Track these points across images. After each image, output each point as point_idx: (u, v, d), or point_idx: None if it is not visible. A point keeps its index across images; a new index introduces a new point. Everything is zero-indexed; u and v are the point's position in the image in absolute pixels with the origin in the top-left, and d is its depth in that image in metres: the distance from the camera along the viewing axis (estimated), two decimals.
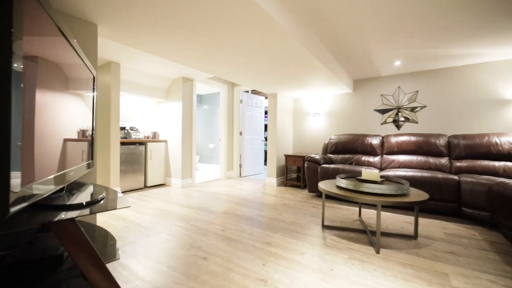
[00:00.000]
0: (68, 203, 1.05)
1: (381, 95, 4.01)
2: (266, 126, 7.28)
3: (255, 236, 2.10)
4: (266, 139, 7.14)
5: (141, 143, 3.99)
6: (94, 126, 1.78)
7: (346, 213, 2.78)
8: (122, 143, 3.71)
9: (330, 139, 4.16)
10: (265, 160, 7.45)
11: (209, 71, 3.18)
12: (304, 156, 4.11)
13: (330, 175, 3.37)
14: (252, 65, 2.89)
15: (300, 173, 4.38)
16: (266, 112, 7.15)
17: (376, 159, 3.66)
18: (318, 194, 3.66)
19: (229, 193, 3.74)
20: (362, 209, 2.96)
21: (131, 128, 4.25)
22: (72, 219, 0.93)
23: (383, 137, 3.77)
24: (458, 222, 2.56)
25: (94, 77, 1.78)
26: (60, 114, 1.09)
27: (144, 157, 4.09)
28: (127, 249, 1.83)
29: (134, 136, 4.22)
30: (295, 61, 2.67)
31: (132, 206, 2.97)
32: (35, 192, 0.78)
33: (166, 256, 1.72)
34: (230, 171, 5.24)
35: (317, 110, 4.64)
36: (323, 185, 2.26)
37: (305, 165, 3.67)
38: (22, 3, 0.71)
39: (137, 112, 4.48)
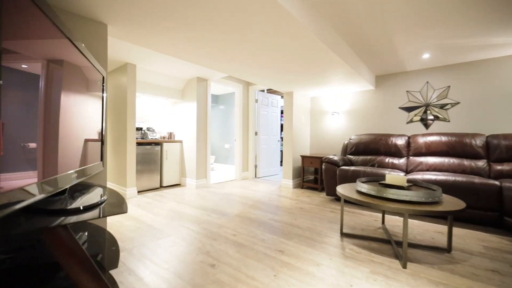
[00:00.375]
0: (65, 207, 1.00)
1: (407, 91, 3.70)
2: (282, 126, 7.09)
3: (267, 242, 1.98)
4: (282, 139, 6.98)
5: (156, 143, 4.03)
6: (104, 127, 1.76)
7: (368, 220, 2.57)
8: (138, 143, 3.76)
9: (350, 139, 3.92)
10: (282, 161, 7.27)
11: (222, 70, 3.11)
12: (321, 157, 3.91)
13: (350, 177, 3.15)
14: (265, 63, 2.77)
15: (317, 175, 4.18)
16: (282, 112, 6.97)
17: (401, 161, 3.37)
18: (337, 197, 3.45)
19: (243, 194, 3.65)
20: (386, 215, 2.72)
21: (148, 129, 4.31)
22: (64, 226, 0.87)
23: (409, 137, 3.47)
24: (500, 234, 2.25)
25: (103, 78, 1.77)
26: (58, 114, 1.04)
27: (160, 157, 4.12)
28: (136, 252, 1.79)
29: (151, 136, 4.27)
30: (312, 56, 2.51)
31: (146, 206, 2.98)
32: (20, 197, 0.73)
33: (174, 261, 1.66)
34: (245, 171, 5.16)
35: (336, 109, 4.41)
36: (342, 190, 2.09)
37: (323, 166, 3.48)
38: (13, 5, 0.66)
39: (154, 112, 4.54)
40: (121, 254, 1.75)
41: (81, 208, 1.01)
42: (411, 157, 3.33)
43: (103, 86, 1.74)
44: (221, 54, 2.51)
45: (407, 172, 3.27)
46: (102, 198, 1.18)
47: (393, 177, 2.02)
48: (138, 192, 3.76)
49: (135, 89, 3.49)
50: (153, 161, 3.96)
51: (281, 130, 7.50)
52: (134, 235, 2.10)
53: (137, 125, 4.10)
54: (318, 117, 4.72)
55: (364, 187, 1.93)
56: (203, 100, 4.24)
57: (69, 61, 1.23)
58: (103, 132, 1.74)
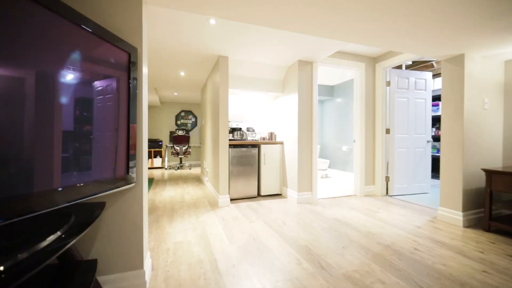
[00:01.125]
0: None
1: None
2: (434, 119, 4.72)
3: None
4: (434, 139, 4.65)
5: (253, 145, 3.50)
6: (130, 126, 1.24)
7: None
8: (233, 146, 3.35)
9: None
10: (434, 172, 4.85)
11: (334, 35, 2.01)
12: None
13: None
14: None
15: None
16: (434, 99, 4.62)
17: None
18: None
19: (364, 226, 2.34)
20: None
21: (248, 129, 3.89)
22: None
23: None
24: None
25: (129, 56, 1.25)
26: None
27: (258, 162, 3.56)
28: None
29: (250, 137, 3.82)
30: None
31: (229, 223, 2.42)
32: None
33: None
34: (370, 185, 3.65)
35: None
36: None
37: None
38: None
39: (253, 110, 4.07)
40: None
41: None
42: None
43: (129, 67, 1.22)
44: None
45: None
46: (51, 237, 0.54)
47: None
48: (232, 200, 3.36)
49: (228, 84, 3.08)
50: (249, 166, 3.45)
51: (433, 125, 5.09)
52: (185, 276, 1.50)
53: (235, 125, 3.76)
54: None
55: None
56: (307, 90, 3.26)
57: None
58: (130, 134, 1.21)
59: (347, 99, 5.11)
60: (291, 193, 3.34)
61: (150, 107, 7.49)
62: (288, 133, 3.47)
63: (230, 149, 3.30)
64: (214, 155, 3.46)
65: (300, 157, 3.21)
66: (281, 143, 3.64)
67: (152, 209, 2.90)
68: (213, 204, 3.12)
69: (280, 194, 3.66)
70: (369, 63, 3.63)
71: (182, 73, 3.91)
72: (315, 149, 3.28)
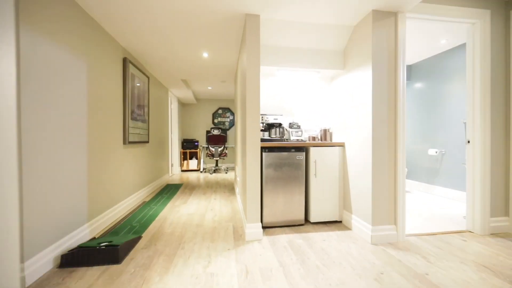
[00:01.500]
0: None
1: None
2: None
3: None
4: None
5: (298, 148, 2.39)
6: None
7: None
8: (268, 148, 2.31)
9: None
10: None
11: None
12: None
13: None
14: None
15: None
16: None
17: None
18: None
19: None
20: None
21: (291, 125, 2.80)
22: None
23: None
24: None
25: None
26: None
27: (305, 172, 2.45)
28: None
29: (295, 136, 2.73)
30: None
31: (252, 284, 1.40)
32: None
33: None
34: (501, 217, 2.16)
35: None
36: None
37: None
38: None
39: (297, 98, 2.94)
40: None
41: None
42: None
43: None
44: None
45: None
46: None
47: None
48: (267, 227, 2.32)
49: (259, 55, 2.05)
50: (293, 178, 2.36)
51: None
52: None
53: (273, 120, 2.71)
54: None
55: None
56: (388, 60, 2.00)
57: None
58: None
59: (437, 81, 3.54)
60: (360, 224, 2.12)
61: (185, 104, 7.02)
62: (354, 131, 2.26)
63: (264, 153, 2.28)
64: (243, 161, 2.49)
65: (376, 168, 1.97)
66: (341, 144, 2.44)
67: (155, 238, 2.07)
68: (238, 236, 2.14)
69: (340, 222, 2.47)
70: (497, 10, 2.14)
71: (205, 54, 3.05)
72: (401, 156, 1.99)
